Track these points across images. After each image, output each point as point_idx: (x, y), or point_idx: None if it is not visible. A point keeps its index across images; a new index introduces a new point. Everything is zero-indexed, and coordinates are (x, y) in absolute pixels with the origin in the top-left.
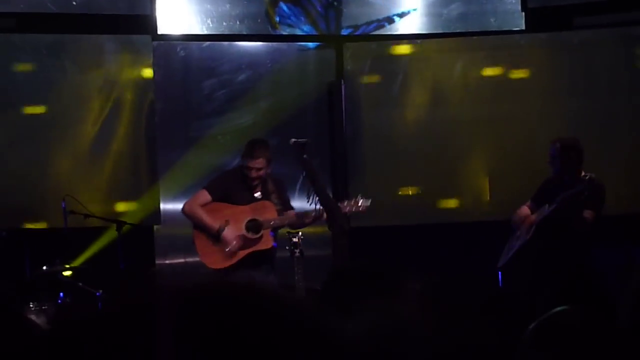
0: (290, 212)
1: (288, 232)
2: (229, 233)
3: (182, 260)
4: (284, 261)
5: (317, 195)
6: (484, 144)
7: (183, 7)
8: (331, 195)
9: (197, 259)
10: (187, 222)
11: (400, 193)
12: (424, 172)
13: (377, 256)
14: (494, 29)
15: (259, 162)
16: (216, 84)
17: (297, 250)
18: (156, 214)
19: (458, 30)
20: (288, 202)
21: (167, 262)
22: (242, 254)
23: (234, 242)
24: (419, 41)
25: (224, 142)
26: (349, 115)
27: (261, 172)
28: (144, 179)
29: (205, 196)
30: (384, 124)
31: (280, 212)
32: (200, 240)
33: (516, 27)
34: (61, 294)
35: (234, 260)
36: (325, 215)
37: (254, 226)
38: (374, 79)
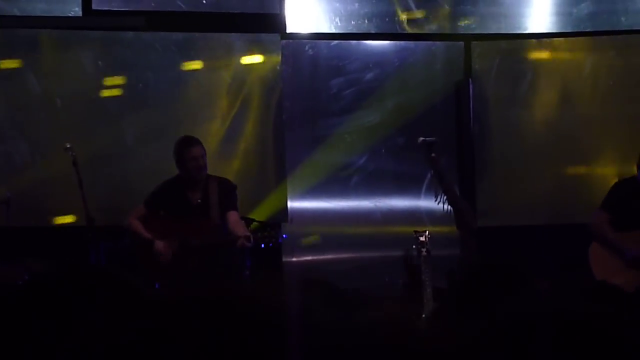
0: (232, 223)
1: (415, 231)
2: (160, 243)
3: (309, 257)
4: (411, 260)
5: (444, 194)
6: (613, 144)
7: (312, 5)
8: (459, 194)
9: (325, 256)
10: (315, 219)
11: (527, 192)
12: (553, 172)
13: (504, 256)
14: (624, 28)
15: (197, 150)
16: (344, 82)
17: (424, 249)
18: (283, 212)
19: (588, 29)
20: (230, 202)
21: (294, 259)
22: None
23: (167, 252)
24: (548, 40)
25: (351, 140)
26: (477, 114)
27: (203, 163)
28: (271, 177)
29: (140, 209)
30: (512, 123)
31: (218, 218)
32: (141, 252)
33: None
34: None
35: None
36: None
37: (183, 245)
38: (502, 77)
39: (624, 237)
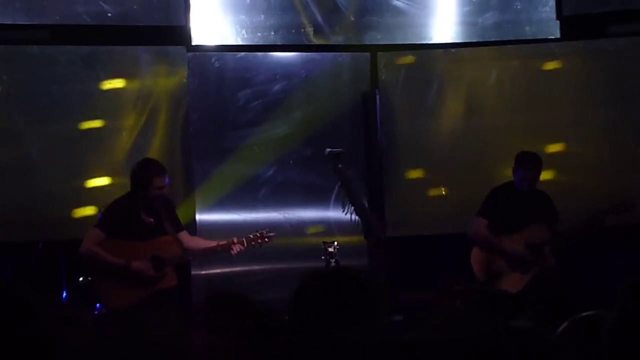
0: (189, 241)
1: (324, 242)
2: (139, 262)
3: (218, 270)
4: None
5: (352, 205)
6: (518, 152)
7: (217, 18)
8: (366, 205)
9: (234, 269)
10: (224, 232)
11: (435, 202)
12: (460, 181)
13: (412, 266)
14: (528, 37)
15: (165, 180)
16: (251, 94)
17: (333, 260)
18: (192, 225)
19: (493, 39)
20: (179, 222)
21: (202, 272)
22: (145, 292)
23: (147, 267)
24: (453, 50)
25: (259, 152)
26: (384, 124)
27: (166, 192)
28: (179, 190)
29: (98, 234)
30: (419, 133)
31: (176, 240)
32: (104, 282)
33: (551, 36)
34: (98, 305)
35: (137, 299)
36: (234, 247)
37: (156, 263)
38: (408, 88)
39: (504, 239)
